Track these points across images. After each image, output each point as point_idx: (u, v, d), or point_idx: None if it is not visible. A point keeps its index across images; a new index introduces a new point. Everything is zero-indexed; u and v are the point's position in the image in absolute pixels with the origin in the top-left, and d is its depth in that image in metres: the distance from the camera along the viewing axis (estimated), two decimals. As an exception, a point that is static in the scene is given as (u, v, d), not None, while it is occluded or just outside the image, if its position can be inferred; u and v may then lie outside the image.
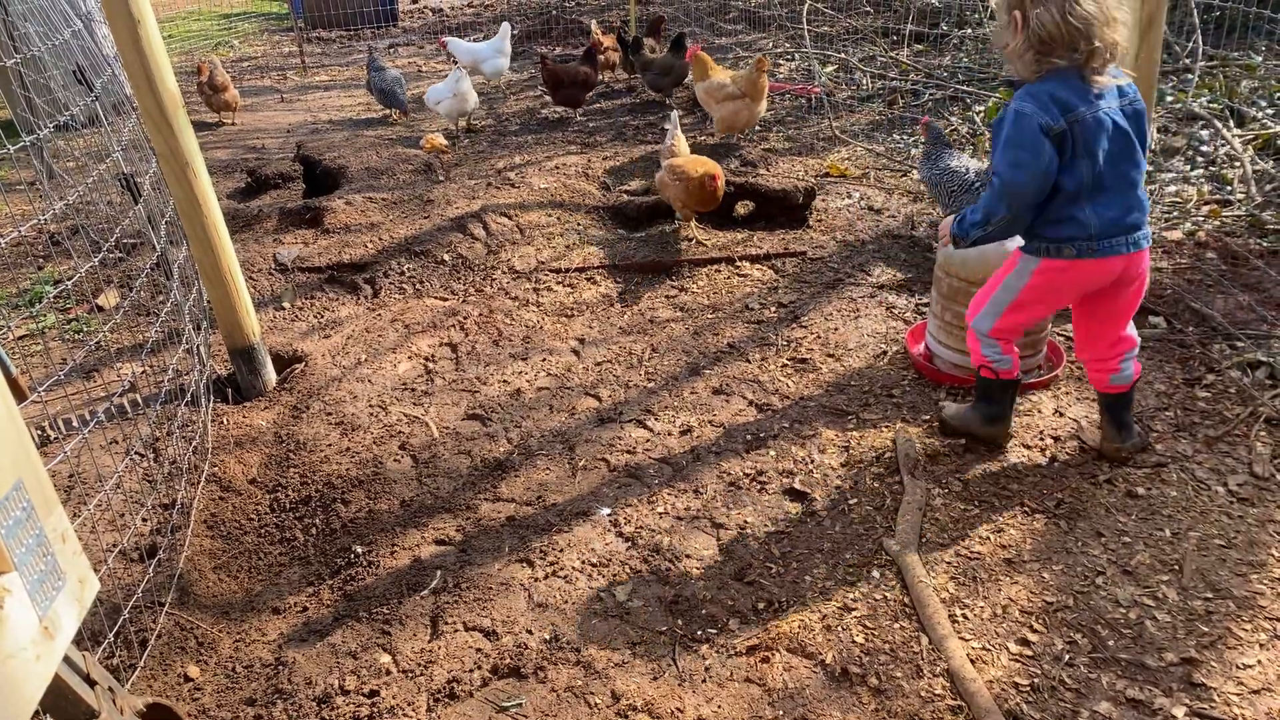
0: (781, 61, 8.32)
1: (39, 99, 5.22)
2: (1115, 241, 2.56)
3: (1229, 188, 4.57)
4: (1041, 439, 3.02)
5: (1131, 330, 2.80)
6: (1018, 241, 2.72)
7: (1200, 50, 5.64)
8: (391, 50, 11.03)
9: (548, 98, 8.14)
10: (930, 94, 6.85)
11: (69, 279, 4.73)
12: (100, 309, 4.49)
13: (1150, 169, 4.81)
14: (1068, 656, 2.21)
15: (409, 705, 2.23)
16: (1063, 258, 2.60)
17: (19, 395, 2.60)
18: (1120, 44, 2.49)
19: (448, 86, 6.93)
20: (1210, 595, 2.36)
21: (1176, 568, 2.46)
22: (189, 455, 3.14)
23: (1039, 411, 3.16)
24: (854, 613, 2.40)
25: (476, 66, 7.81)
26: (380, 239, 4.98)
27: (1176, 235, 4.23)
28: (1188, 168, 4.91)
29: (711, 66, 6.13)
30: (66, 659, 1.51)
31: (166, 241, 3.62)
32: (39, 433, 3.38)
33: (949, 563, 2.54)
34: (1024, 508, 2.72)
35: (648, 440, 3.22)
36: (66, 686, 1.48)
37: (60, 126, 3.20)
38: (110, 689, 1.64)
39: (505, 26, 7.94)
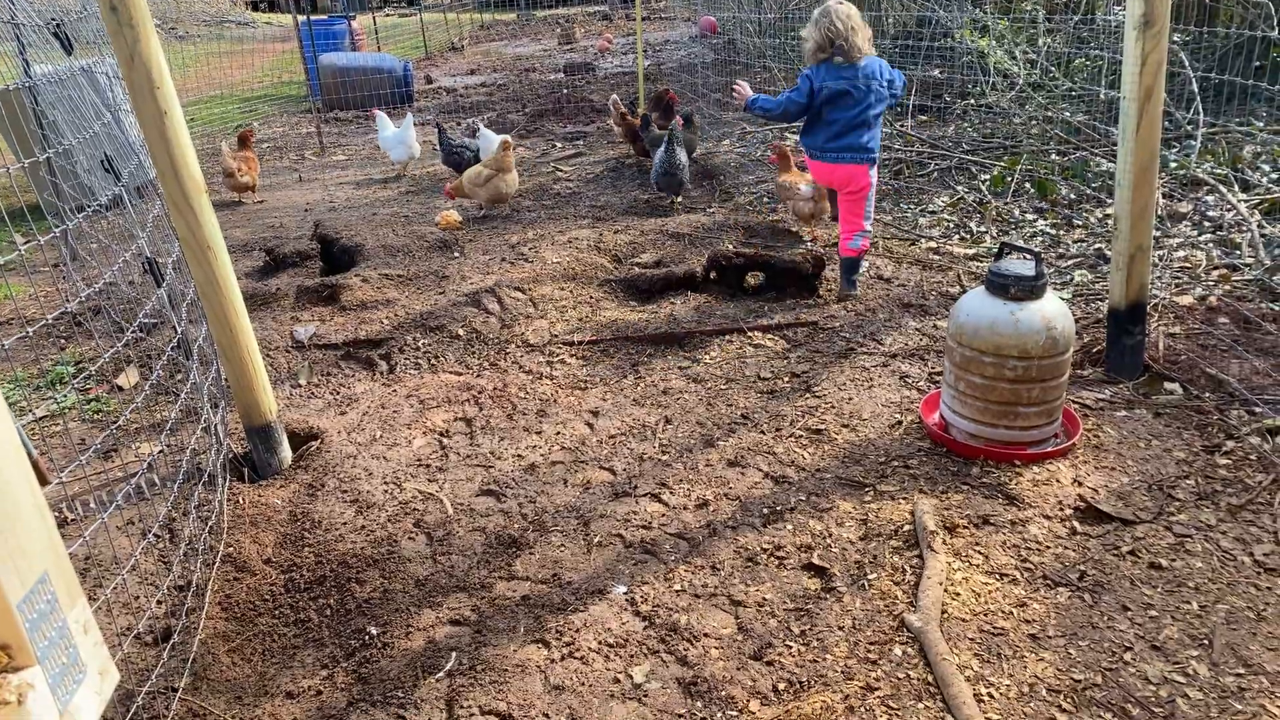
0: (788, 136, 8.49)
1: (66, 184, 5.38)
2: (828, 154, 4.73)
3: (1238, 252, 4.60)
4: (1061, 509, 2.99)
5: (863, 223, 4.84)
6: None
7: (1201, 118, 5.73)
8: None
9: (559, 173, 8.35)
10: (936, 164, 6.96)
11: (90, 360, 4.80)
12: (120, 388, 4.54)
13: (1157, 234, 4.85)
14: (1099, 737, 2.16)
15: (424, 794, 2.18)
16: (808, 157, 4.91)
17: (41, 480, 2.62)
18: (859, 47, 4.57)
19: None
20: (1242, 671, 2.30)
21: (1206, 642, 2.41)
22: (205, 535, 3.14)
23: (1057, 481, 3.14)
24: (877, 692, 2.35)
25: (387, 152, 8.82)
26: (396, 315, 5.05)
27: (1187, 300, 4.24)
28: (1195, 233, 4.95)
29: (459, 184, 7.02)
30: (81, 752, 1.50)
31: (186, 321, 3.69)
32: (57, 514, 3.39)
33: (972, 639, 2.50)
34: (1047, 581, 2.68)
35: (663, 515, 3.20)
36: (81, 781, 1.46)
37: (81, 208, 3.29)
38: (124, 782, 1.62)
39: (409, 117, 8.87)
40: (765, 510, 3.16)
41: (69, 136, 3.83)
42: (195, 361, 3.60)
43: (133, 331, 3.83)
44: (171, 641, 2.69)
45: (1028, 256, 3.31)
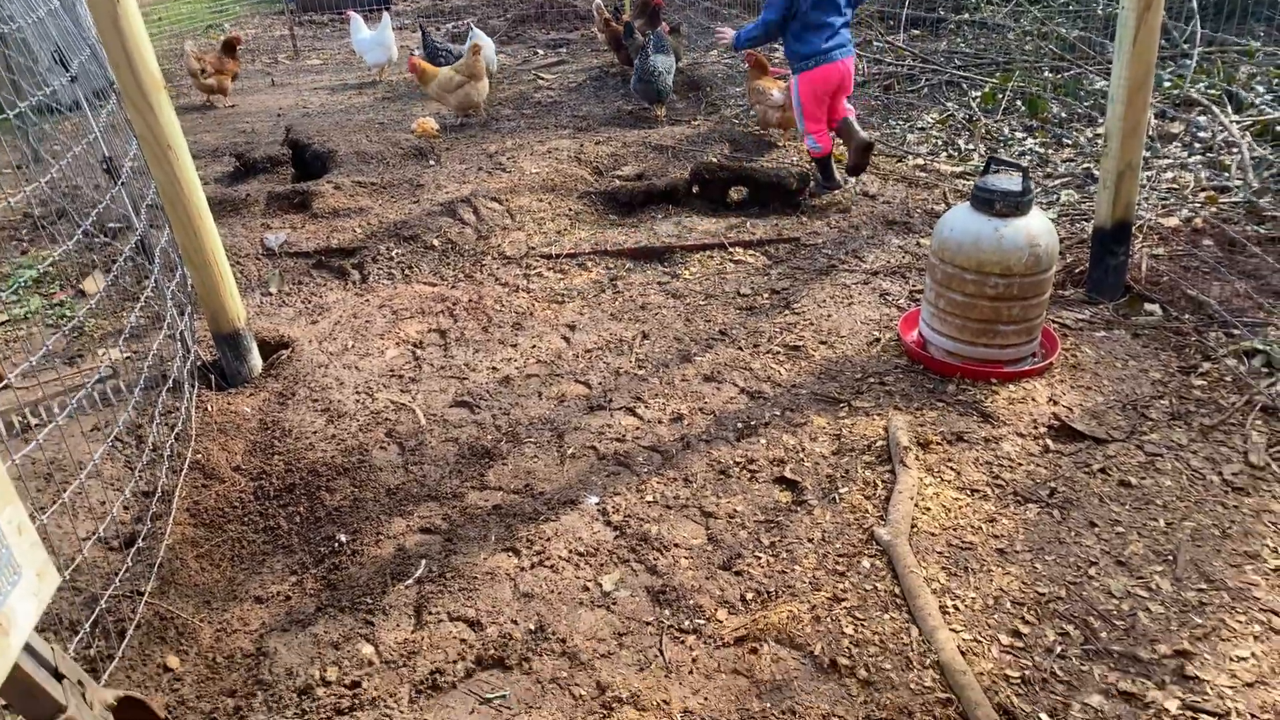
0: (777, 48, 8.23)
1: (25, 83, 5.14)
2: (832, 55, 4.81)
3: (1226, 174, 4.53)
4: (1035, 427, 2.99)
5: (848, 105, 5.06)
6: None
7: (1198, 35, 5.58)
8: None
9: (541, 81, 8.11)
10: (926, 79, 6.79)
11: (53, 264, 4.67)
12: (84, 294, 4.43)
13: (1147, 155, 4.76)
14: (1060, 648, 2.18)
15: (391, 697, 2.20)
16: (807, 69, 4.89)
17: (-5, 381, 2.56)
18: None
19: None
20: (1204, 586, 2.33)
21: (1170, 558, 2.43)
22: (171, 442, 3.10)
23: (1032, 400, 3.13)
24: (844, 603, 2.37)
25: (362, 55, 8.65)
26: (369, 223, 4.92)
27: (1173, 222, 4.19)
28: (1185, 154, 4.87)
29: (430, 70, 6.66)
30: (33, 653, 1.47)
31: (148, 225, 3.56)
32: (20, 420, 3.33)
33: (940, 553, 2.51)
34: (1017, 497, 2.69)
35: (637, 428, 3.18)
36: (31, 681, 1.44)
37: (41, 109, 3.13)
38: (80, 682, 1.61)
39: (386, 18, 8.49)
40: (739, 425, 3.14)
41: (15, 25, 3.63)
42: (158, 265, 3.50)
43: (84, 231, 3.69)
44: (137, 546, 2.67)
45: (1014, 172, 3.23)
